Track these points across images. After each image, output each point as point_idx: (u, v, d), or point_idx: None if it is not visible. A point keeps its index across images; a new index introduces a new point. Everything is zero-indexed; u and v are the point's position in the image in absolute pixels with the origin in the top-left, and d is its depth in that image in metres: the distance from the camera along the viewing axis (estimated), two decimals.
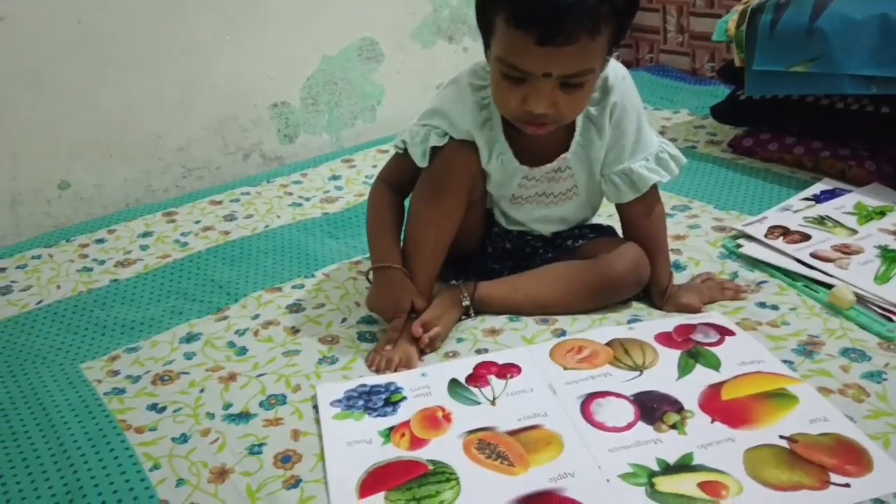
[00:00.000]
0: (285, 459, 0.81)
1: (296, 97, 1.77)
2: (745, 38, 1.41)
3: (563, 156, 1.00)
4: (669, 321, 0.99)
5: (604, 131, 0.98)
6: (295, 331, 1.05)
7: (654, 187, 1.03)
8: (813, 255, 1.10)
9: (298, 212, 1.45)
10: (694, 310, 1.02)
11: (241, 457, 0.82)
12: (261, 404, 0.90)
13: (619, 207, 1.06)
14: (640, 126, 1.00)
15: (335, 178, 1.60)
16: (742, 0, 1.51)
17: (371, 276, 1.04)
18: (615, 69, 0.98)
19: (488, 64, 0.93)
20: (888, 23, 1.22)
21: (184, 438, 0.86)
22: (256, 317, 1.10)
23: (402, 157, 1.04)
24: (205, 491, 0.78)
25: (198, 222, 1.43)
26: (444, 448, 0.80)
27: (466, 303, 1.04)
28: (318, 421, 0.86)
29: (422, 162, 1.00)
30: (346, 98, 1.85)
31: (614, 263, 1.02)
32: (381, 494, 0.74)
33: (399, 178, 1.07)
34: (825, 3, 1.30)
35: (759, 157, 1.52)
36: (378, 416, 0.86)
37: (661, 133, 1.54)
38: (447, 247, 1.03)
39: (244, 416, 0.88)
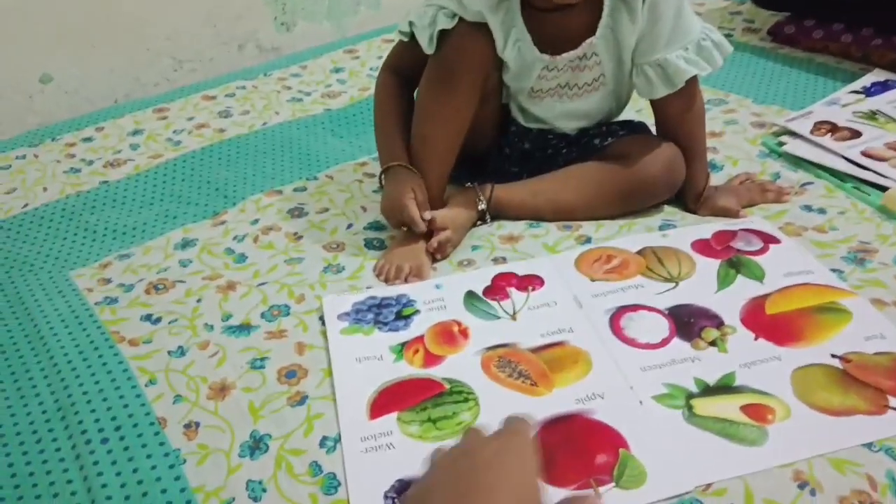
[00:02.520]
0: (290, 375, 0.75)
1: None
2: None
3: (588, 40, 0.89)
4: (706, 227, 0.90)
5: (636, 13, 0.86)
6: (297, 237, 0.97)
7: (694, 80, 0.91)
8: (864, 154, 1.00)
9: (298, 108, 1.34)
10: (732, 214, 0.93)
11: (243, 371, 0.76)
12: (262, 315, 0.83)
13: (654, 103, 0.95)
14: (681, 9, 0.87)
15: (337, 70, 1.48)
16: None
17: (383, 181, 0.95)
18: None
19: None
20: None
21: (181, 352, 0.80)
22: (256, 221, 1.02)
23: (409, 44, 0.93)
24: (204, 408, 0.72)
25: (191, 119, 1.33)
26: (460, 365, 0.74)
27: (482, 206, 0.96)
28: (324, 334, 0.80)
29: (429, 48, 0.89)
30: None
31: (646, 165, 0.92)
32: (394, 415, 0.68)
33: (406, 66, 0.97)
34: None
35: (801, 47, 1.39)
36: (389, 330, 0.79)
37: None
38: (459, 145, 0.93)
39: (245, 328, 0.82)
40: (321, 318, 0.82)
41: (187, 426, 0.71)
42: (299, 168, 1.15)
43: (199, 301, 0.87)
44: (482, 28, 0.88)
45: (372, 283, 0.88)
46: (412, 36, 0.91)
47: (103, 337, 0.82)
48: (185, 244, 0.99)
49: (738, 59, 1.35)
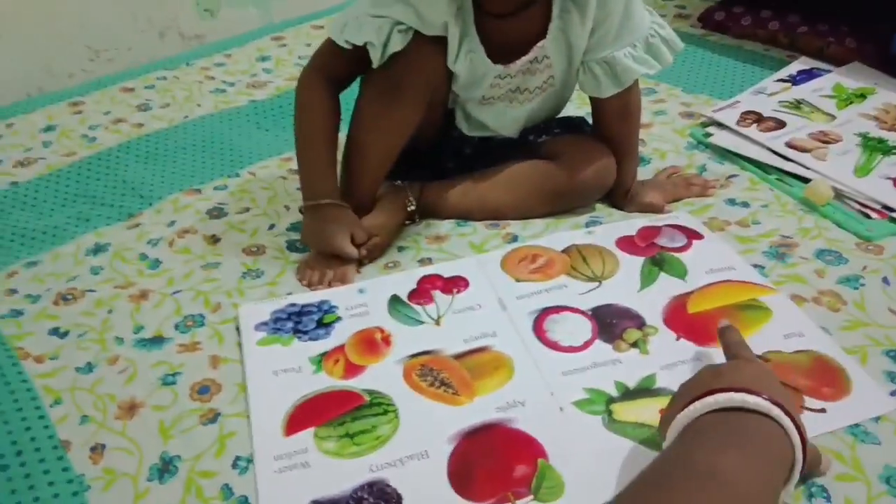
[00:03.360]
0: (202, 390, 0.72)
1: None
2: None
3: (539, 44, 0.85)
4: (632, 223, 0.90)
5: (587, 13, 0.82)
6: (215, 240, 0.93)
7: (635, 80, 0.89)
8: (788, 145, 1.00)
9: (221, 99, 1.29)
10: (657, 209, 0.93)
11: (153, 388, 0.72)
12: (176, 327, 0.80)
13: (594, 99, 0.92)
14: (629, 3, 0.84)
15: (264, 58, 1.43)
16: None
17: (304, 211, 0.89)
18: None
19: None
20: None
21: (89, 368, 0.75)
22: (172, 223, 0.97)
23: (344, 51, 0.83)
24: (111, 429, 0.69)
25: (107, 113, 1.26)
26: (381, 375, 0.71)
27: (412, 207, 0.93)
28: (240, 345, 0.76)
29: (379, 63, 0.82)
30: None
31: (578, 168, 0.91)
32: (311, 430, 0.66)
33: (339, 72, 0.88)
34: None
35: (731, 33, 1.39)
36: (309, 339, 0.76)
37: None
38: (397, 153, 0.89)
39: (157, 341, 0.78)
40: (238, 329, 0.78)
41: (93, 449, 0.67)
42: (221, 164, 1.10)
43: (109, 312, 0.83)
44: (435, 42, 0.82)
45: (293, 288, 0.85)
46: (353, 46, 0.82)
47: (6, 353, 0.78)
48: (97, 249, 0.94)
49: None
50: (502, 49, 0.85)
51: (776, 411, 0.49)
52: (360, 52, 0.82)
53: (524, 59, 0.86)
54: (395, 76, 0.83)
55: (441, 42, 0.83)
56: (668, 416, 0.54)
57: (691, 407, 0.51)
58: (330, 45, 0.85)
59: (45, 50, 1.41)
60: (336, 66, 0.87)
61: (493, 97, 0.90)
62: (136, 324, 0.81)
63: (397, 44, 0.80)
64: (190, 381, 0.73)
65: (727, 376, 0.53)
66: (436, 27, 0.81)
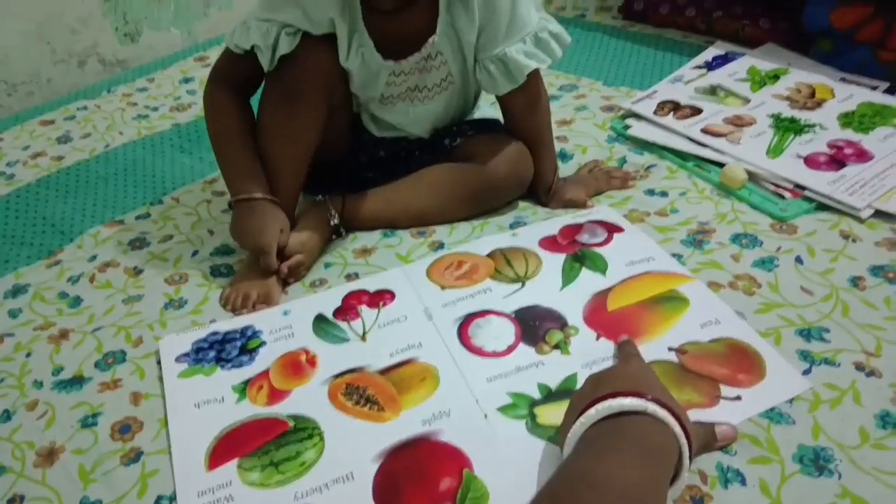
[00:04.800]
0: (124, 430, 0.70)
1: None
2: None
3: (430, 39, 0.86)
4: (555, 222, 0.90)
5: (471, 6, 0.84)
6: (137, 272, 0.91)
7: (537, 74, 0.90)
8: (704, 131, 1.02)
9: (144, 125, 1.26)
10: (580, 205, 0.93)
11: (73, 431, 0.71)
12: (96, 365, 0.78)
13: (499, 98, 0.93)
14: (516, 1, 0.85)
15: (187, 80, 1.40)
16: None
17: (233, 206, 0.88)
18: None
19: None
20: None
21: (7, 416, 0.73)
22: (93, 258, 0.95)
23: (243, 57, 0.85)
24: (30, 478, 0.67)
25: (26, 148, 1.23)
26: (306, 399, 0.70)
27: (335, 222, 0.92)
28: (161, 379, 0.75)
29: (270, 67, 0.84)
30: None
31: (493, 165, 0.91)
32: (234, 462, 0.65)
33: (238, 78, 0.89)
34: None
35: (651, 23, 1.41)
36: (232, 367, 0.75)
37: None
38: (308, 162, 0.89)
39: (77, 382, 0.76)
40: (159, 362, 0.77)
41: (11, 501, 0.65)
42: (143, 192, 1.08)
43: (28, 356, 0.80)
44: (325, 41, 0.83)
45: (217, 315, 0.84)
46: (247, 50, 0.84)
47: None
48: (17, 291, 0.91)
49: (591, 41, 1.36)
50: (393, 45, 0.86)
51: (651, 407, 0.51)
52: (255, 56, 0.83)
53: (417, 55, 0.87)
54: (290, 81, 0.84)
55: (332, 41, 0.84)
56: (563, 431, 0.56)
57: (577, 423, 0.53)
58: (226, 52, 0.87)
59: None
60: (235, 72, 0.88)
61: (393, 96, 0.91)
62: (55, 365, 0.79)
63: (285, 46, 0.81)
64: (111, 420, 0.71)
65: (604, 384, 0.55)
66: (323, 25, 0.82)
